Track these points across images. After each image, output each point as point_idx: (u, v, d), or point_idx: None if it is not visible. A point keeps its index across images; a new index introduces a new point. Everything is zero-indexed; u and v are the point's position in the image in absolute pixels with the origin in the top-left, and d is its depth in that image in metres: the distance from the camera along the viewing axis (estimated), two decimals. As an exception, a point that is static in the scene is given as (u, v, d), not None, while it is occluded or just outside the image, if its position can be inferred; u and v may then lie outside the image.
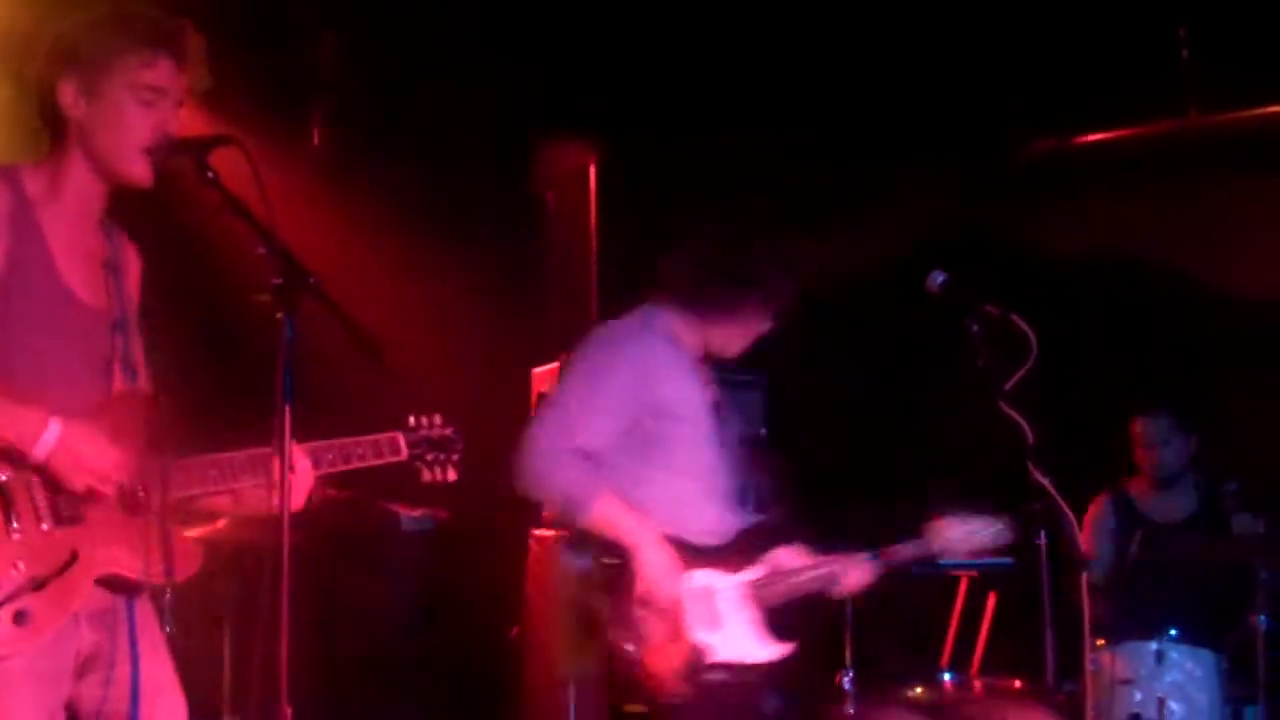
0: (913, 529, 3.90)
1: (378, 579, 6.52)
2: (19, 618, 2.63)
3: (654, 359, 3.71)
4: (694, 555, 3.68)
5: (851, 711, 4.96)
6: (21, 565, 2.66)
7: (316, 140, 7.11)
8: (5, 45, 5.97)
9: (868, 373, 6.63)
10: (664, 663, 3.54)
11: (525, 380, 6.34)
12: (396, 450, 3.18)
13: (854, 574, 3.85)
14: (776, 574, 3.77)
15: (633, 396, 3.69)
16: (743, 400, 5.23)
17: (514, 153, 7.36)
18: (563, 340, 6.48)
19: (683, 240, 3.89)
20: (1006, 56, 6.42)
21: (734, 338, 3.84)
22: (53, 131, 2.93)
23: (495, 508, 5.53)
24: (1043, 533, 3.62)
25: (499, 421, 6.28)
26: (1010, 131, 7.00)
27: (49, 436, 2.68)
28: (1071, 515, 3.63)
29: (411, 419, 3.24)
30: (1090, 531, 5.97)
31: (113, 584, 2.82)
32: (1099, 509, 6.07)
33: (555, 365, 6.14)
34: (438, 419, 3.26)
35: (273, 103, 6.87)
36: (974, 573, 5.90)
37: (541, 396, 6.13)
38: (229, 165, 2.90)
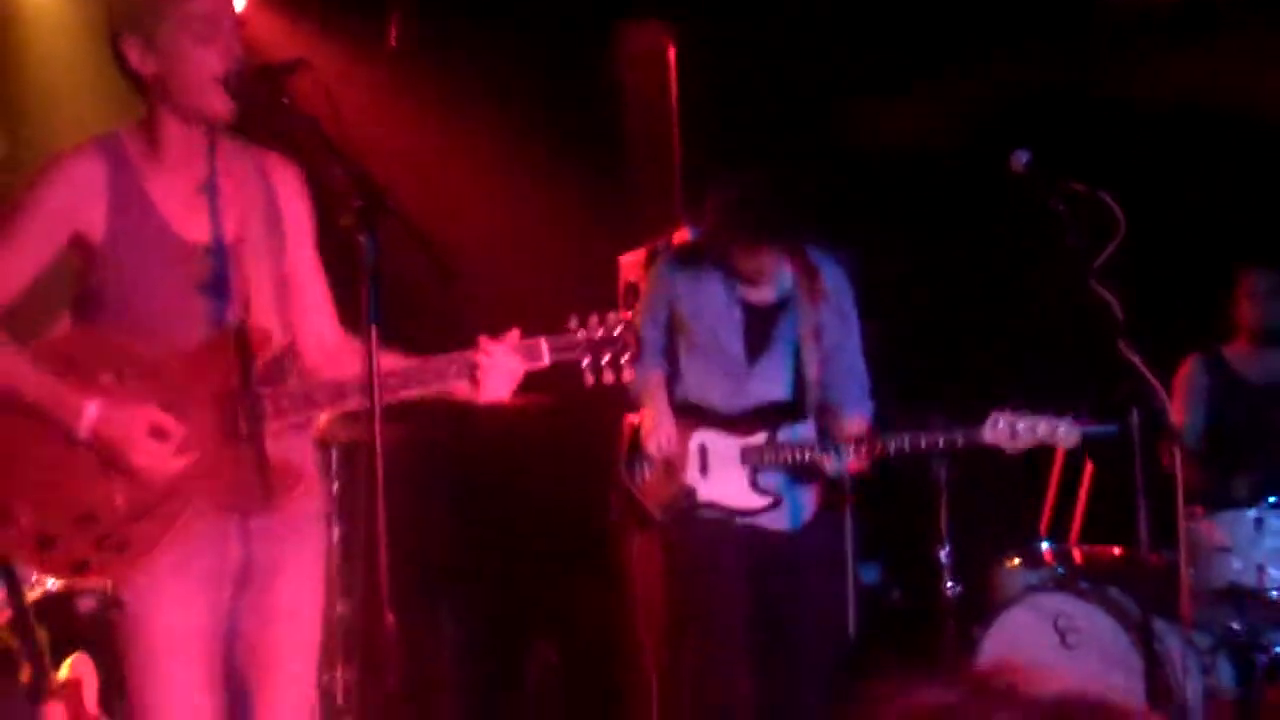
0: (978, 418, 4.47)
1: (478, 464, 6.63)
2: (118, 548, 2.90)
3: (675, 276, 4.75)
4: (704, 418, 4.66)
5: (949, 585, 5.02)
6: (120, 498, 2.91)
7: (393, 40, 7.12)
8: None
9: (958, 247, 6.55)
10: (656, 495, 4.66)
11: (613, 267, 6.36)
12: (538, 356, 3.09)
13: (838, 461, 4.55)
14: (770, 444, 4.60)
15: (663, 305, 4.74)
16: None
17: (591, 38, 7.31)
18: (648, 226, 6.51)
19: (713, 186, 4.71)
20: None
21: (749, 266, 4.62)
22: (139, 90, 3.02)
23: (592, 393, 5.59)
24: (1135, 410, 3.61)
25: (588, 309, 6.37)
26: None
27: (86, 419, 2.89)
28: (1163, 390, 3.61)
29: (573, 320, 3.12)
30: (1181, 394, 5.78)
31: (221, 509, 2.97)
32: (1189, 370, 5.85)
33: (642, 251, 6.16)
34: (610, 316, 3.13)
35: (349, 5, 6.90)
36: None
37: (630, 285, 6.17)
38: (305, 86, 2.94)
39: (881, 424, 4.68)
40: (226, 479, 2.96)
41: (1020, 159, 3.85)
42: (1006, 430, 4.43)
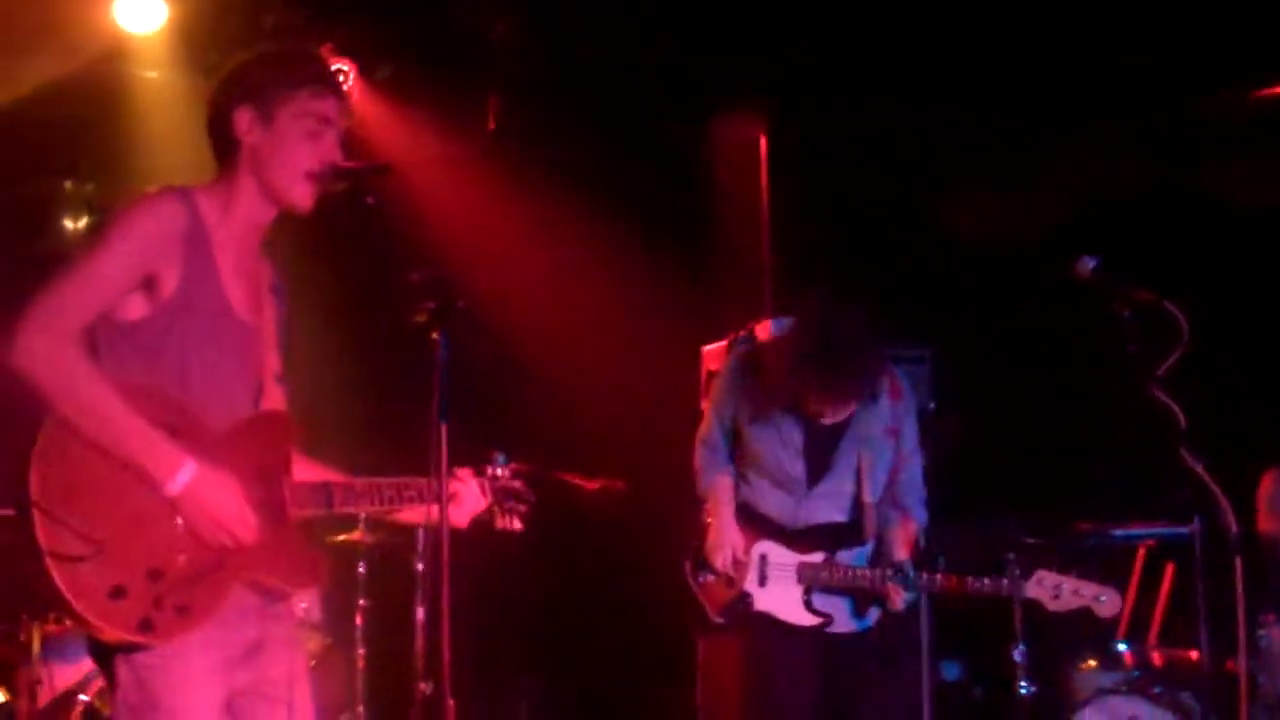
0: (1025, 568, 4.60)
1: (554, 550, 6.70)
2: (180, 611, 2.86)
3: (742, 387, 4.83)
4: (766, 528, 4.72)
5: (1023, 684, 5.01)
6: (183, 558, 2.89)
7: (492, 124, 7.31)
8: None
9: (1033, 345, 6.56)
10: (715, 600, 4.73)
11: (695, 358, 6.43)
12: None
13: (895, 598, 4.61)
14: (827, 564, 4.66)
15: (729, 407, 4.85)
16: (913, 375, 5.29)
17: (686, 129, 7.44)
18: (734, 317, 6.58)
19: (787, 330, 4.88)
20: (1182, 9, 6.27)
21: (815, 409, 4.67)
22: (224, 155, 3.14)
23: (670, 479, 5.68)
24: (1197, 518, 3.63)
25: (669, 399, 6.46)
26: (1187, 86, 6.82)
27: (182, 478, 2.86)
28: (1225, 500, 3.61)
29: (489, 468, 3.42)
30: (1265, 507, 5.63)
31: (257, 588, 3.04)
32: (1272, 485, 5.69)
33: (724, 343, 6.22)
34: (510, 469, 3.46)
35: (449, 89, 7.10)
36: (1151, 542, 5.84)
37: (711, 374, 6.24)
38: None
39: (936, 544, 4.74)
40: (269, 559, 3.02)
41: (1086, 265, 3.88)
42: (1050, 590, 4.55)
